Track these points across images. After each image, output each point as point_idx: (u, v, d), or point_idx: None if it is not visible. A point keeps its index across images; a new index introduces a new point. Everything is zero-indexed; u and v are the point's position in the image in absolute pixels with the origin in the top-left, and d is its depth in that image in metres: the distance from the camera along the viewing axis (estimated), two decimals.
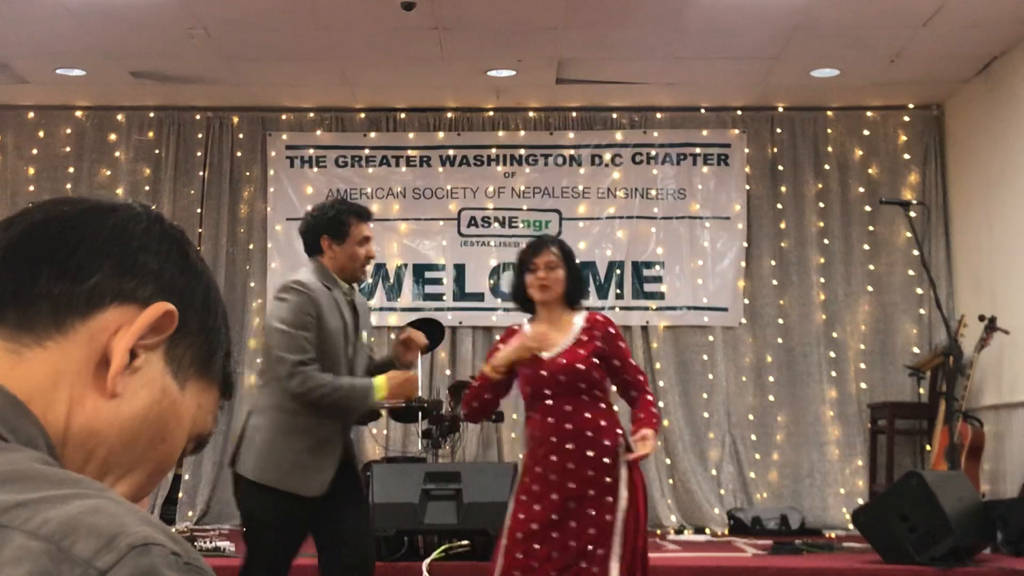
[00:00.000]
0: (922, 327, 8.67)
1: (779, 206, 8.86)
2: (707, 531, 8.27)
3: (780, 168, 8.89)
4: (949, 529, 5.82)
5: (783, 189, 8.88)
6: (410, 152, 8.96)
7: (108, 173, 8.95)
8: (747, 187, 8.86)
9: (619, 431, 4.31)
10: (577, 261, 4.58)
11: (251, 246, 8.92)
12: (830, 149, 8.90)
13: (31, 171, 8.94)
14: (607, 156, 8.91)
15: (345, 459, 4.18)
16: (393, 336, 7.49)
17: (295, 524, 4.10)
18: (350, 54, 7.79)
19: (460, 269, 8.83)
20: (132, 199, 0.98)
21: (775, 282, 8.78)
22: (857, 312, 8.72)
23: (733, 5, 6.98)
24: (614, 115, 8.92)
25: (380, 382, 4.17)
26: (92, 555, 0.70)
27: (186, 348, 0.94)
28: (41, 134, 8.96)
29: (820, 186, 8.86)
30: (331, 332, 4.13)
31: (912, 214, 7.48)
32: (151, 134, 8.99)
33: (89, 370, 0.88)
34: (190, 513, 8.42)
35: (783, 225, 8.84)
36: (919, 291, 8.65)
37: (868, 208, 8.75)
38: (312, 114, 8.99)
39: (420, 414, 7.54)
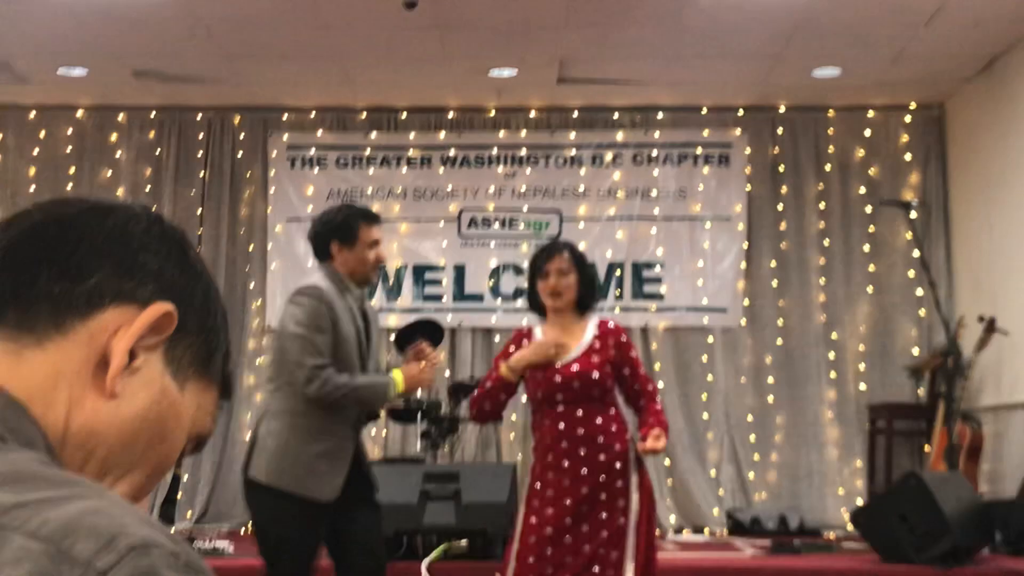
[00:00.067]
0: (922, 328, 8.67)
1: (780, 207, 8.86)
2: (706, 531, 8.28)
3: (781, 168, 8.89)
4: (948, 529, 5.82)
5: (784, 189, 8.88)
6: (411, 152, 8.96)
7: (109, 173, 8.96)
8: (748, 187, 8.86)
9: (628, 436, 4.33)
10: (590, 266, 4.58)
11: (251, 247, 8.92)
12: (831, 149, 8.90)
13: (32, 171, 8.95)
14: (608, 156, 8.91)
15: (356, 462, 4.21)
16: (392, 337, 7.49)
17: (311, 527, 4.11)
18: (351, 54, 7.79)
19: (460, 270, 8.84)
20: (132, 199, 0.97)
21: (775, 283, 8.78)
22: (857, 313, 8.72)
23: (734, 5, 6.99)
24: (615, 115, 8.92)
25: (397, 376, 4.22)
26: (92, 556, 0.70)
27: (185, 348, 0.94)
28: (42, 134, 8.96)
29: (821, 186, 8.86)
30: (345, 337, 4.15)
31: (913, 215, 7.48)
32: (152, 134, 8.99)
33: (88, 370, 0.88)
34: (189, 513, 8.42)
35: (783, 226, 8.84)
36: (919, 292, 8.65)
37: (869, 209, 8.75)
38: (313, 114, 8.99)
39: (419, 415, 7.55)
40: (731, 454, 8.63)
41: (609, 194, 8.88)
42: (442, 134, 8.98)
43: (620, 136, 8.93)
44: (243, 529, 8.33)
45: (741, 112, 8.91)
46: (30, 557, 0.70)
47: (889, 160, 8.85)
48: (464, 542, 5.94)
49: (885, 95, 8.65)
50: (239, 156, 8.99)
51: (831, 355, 8.67)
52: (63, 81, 8.37)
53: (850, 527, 7.26)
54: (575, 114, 8.96)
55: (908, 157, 8.83)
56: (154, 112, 8.96)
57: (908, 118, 8.86)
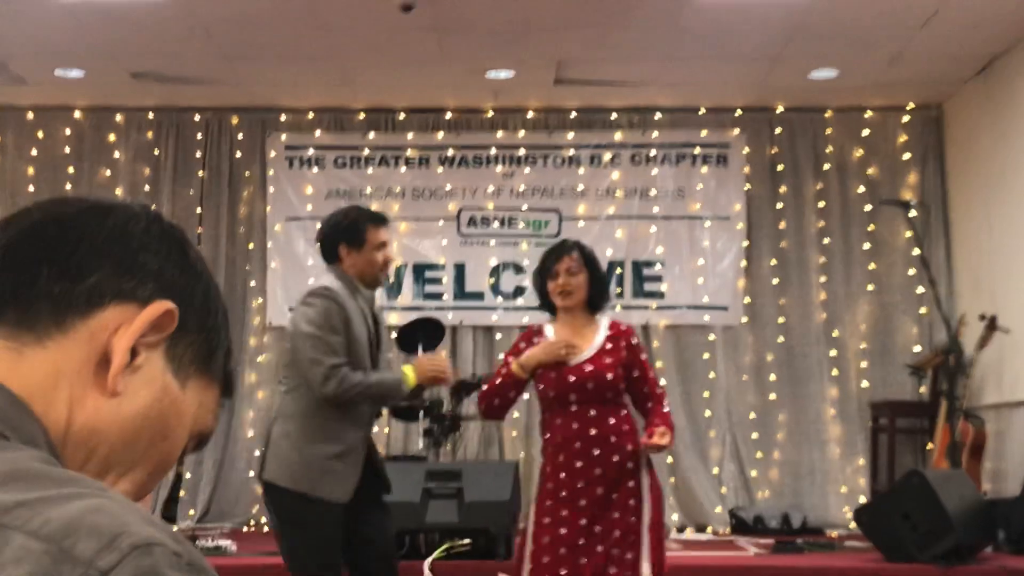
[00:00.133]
0: (922, 326, 8.67)
1: (779, 206, 8.86)
2: (709, 530, 8.28)
3: (780, 168, 8.89)
4: (951, 528, 5.82)
5: (783, 189, 8.88)
6: (409, 152, 8.96)
7: (107, 174, 8.95)
8: (746, 187, 8.86)
9: (639, 436, 4.34)
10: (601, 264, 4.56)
11: (251, 246, 8.92)
12: (829, 149, 8.89)
13: (30, 171, 8.94)
14: (606, 156, 8.91)
15: (369, 462, 4.23)
16: (393, 335, 7.50)
17: (331, 527, 4.13)
18: (350, 54, 7.79)
19: (460, 269, 8.84)
20: (131, 199, 0.98)
21: (775, 281, 8.78)
22: (857, 311, 8.72)
23: (732, 6, 6.98)
24: (613, 115, 8.92)
25: (408, 370, 4.25)
26: (93, 555, 0.70)
27: (186, 347, 0.94)
28: (40, 134, 8.96)
29: (820, 186, 8.86)
30: (357, 337, 4.18)
31: (912, 214, 7.48)
32: (150, 134, 8.99)
33: (90, 369, 0.87)
34: (191, 512, 8.42)
35: (783, 225, 8.84)
36: (919, 290, 8.65)
37: (868, 208, 8.75)
38: (311, 114, 8.99)
39: (421, 413, 7.54)
40: (733, 452, 8.63)
41: (608, 193, 8.88)
42: (440, 135, 8.98)
43: (618, 136, 8.92)
44: (245, 527, 8.33)
45: (739, 113, 8.91)
46: (31, 557, 0.69)
47: (887, 160, 8.84)
48: (467, 541, 5.94)
49: (883, 96, 8.65)
50: (237, 156, 8.99)
51: (832, 353, 8.67)
52: (61, 82, 8.37)
53: (853, 525, 7.26)
54: (573, 115, 8.95)
55: (906, 157, 8.83)
56: (152, 113, 8.96)
57: (906, 119, 8.86)
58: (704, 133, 8.90)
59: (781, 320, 8.74)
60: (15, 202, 8.64)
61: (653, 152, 8.88)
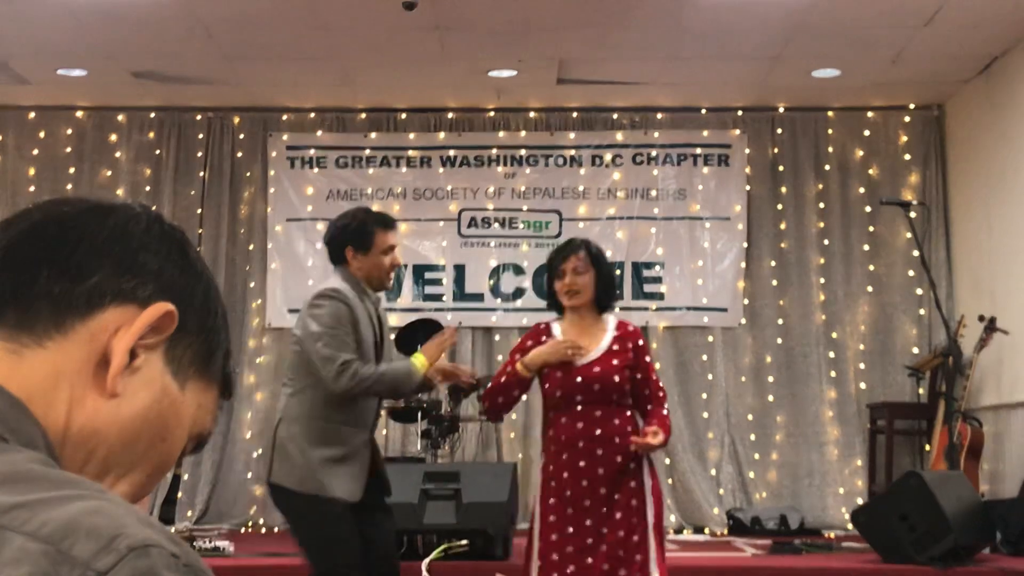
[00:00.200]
0: (922, 327, 8.67)
1: (779, 207, 8.86)
2: (706, 531, 8.28)
3: (780, 169, 8.89)
4: (948, 529, 5.82)
5: (783, 190, 8.88)
6: (410, 152, 8.96)
7: (109, 174, 8.96)
8: (747, 188, 8.86)
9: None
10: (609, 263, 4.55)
11: (251, 246, 8.92)
12: (830, 149, 8.90)
13: (31, 171, 8.95)
14: (608, 156, 8.91)
15: (372, 464, 4.25)
16: (392, 337, 7.49)
17: (347, 523, 4.14)
18: (351, 54, 7.79)
19: (460, 269, 8.84)
20: (132, 199, 0.98)
21: (775, 282, 8.78)
22: (857, 312, 8.72)
23: (733, 5, 6.99)
24: (615, 115, 8.92)
25: (418, 357, 4.26)
26: (91, 557, 0.70)
27: (186, 348, 0.94)
28: (42, 134, 8.96)
29: (820, 186, 8.86)
30: (364, 338, 4.20)
31: (912, 214, 7.49)
32: (151, 134, 8.99)
33: (89, 370, 0.88)
34: (189, 513, 8.42)
35: (783, 226, 8.84)
36: (919, 291, 8.65)
37: (868, 208, 8.75)
38: (313, 114, 8.99)
39: (419, 414, 7.55)
40: (731, 453, 8.63)
41: (609, 194, 8.89)
42: (442, 135, 8.98)
43: (620, 136, 8.93)
44: (243, 529, 8.33)
45: (740, 113, 8.91)
46: (29, 558, 0.70)
47: (888, 160, 8.85)
48: (464, 542, 5.94)
49: (884, 96, 8.65)
50: (239, 156, 8.99)
51: (831, 354, 8.67)
52: (63, 82, 8.37)
53: (850, 527, 7.25)
54: (574, 115, 8.96)
55: (907, 157, 8.83)
56: (153, 113, 8.97)
57: (907, 119, 8.86)
58: (705, 133, 8.90)
59: (780, 321, 8.74)
60: (16, 202, 8.65)
61: (654, 152, 8.88)
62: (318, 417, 4.14)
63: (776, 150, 8.91)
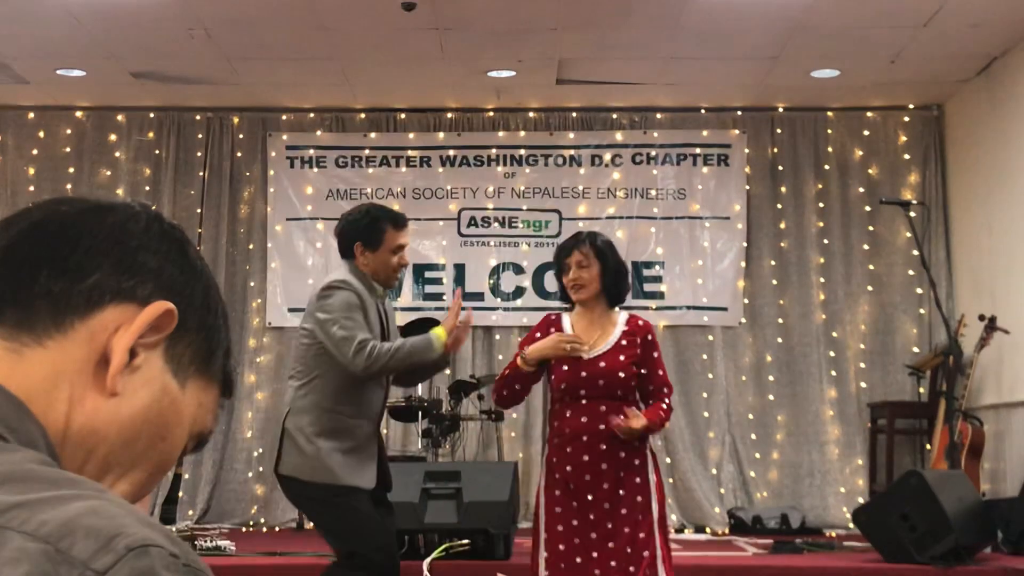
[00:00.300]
0: (922, 327, 8.67)
1: (779, 206, 8.86)
2: (707, 530, 8.28)
3: (780, 168, 8.89)
4: (949, 528, 5.82)
5: (783, 189, 8.88)
6: (410, 152, 8.96)
7: (108, 173, 8.96)
8: (747, 187, 8.87)
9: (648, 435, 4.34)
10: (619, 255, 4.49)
11: (251, 246, 8.92)
12: (830, 149, 8.90)
13: (31, 171, 8.95)
14: (607, 156, 8.91)
15: (377, 456, 4.28)
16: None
17: (365, 505, 4.15)
18: (350, 54, 7.79)
19: (460, 269, 8.84)
20: (132, 199, 0.97)
21: (775, 282, 8.78)
22: (857, 312, 8.72)
23: (733, 5, 6.98)
24: (614, 115, 8.92)
25: (437, 330, 4.29)
26: (90, 556, 0.70)
27: (186, 347, 0.94)
28: (41, 134, 8.96)
29: (820, 186, 8.86)
30: (371, 329, 4.18)
31: (912, 214, 7.48)
32: (151, 134, 9.00)
33: (89, 369, 0.88)
34: (190, 512, 8.42)
35: (783, 225, 8.84)
36: (919, 291, 8.65)
37: (868, 208, 8.75)
38: (312, 114, 8.99)
39: (420, 413, 7.55)
40: (732, 453, 8.64)
41: (608, 194, 8.89)
42: (441, 134, 8.98)
43: (619, 136, 8.93)
44: (244, 528, 8.33)
45: (740, 113, 8.91)
46: (28, 557, 0.69)
47: (888, 160, 8.85)
48: (465, 542, 5.94)
49: (884, 96, 8.65)
50: (238, 156, 9.00)
51: (831, 353, 8.67)
52: (62, 82, 8.37)
53: (851, 526, 7.26)
54: (574, 115, 8.96)
55: (907, 157, 8.83)
56: (153, 113, 8.97)
57: (907, 119, 8.87)
58: (705, 133, 8.90)
59: (780, 321, 8.74)
60: (16, 202, 8.65)
61: (654, 152, 8.89)
62: (326, 408, 4.16)
63: (776, 150, 8.91)
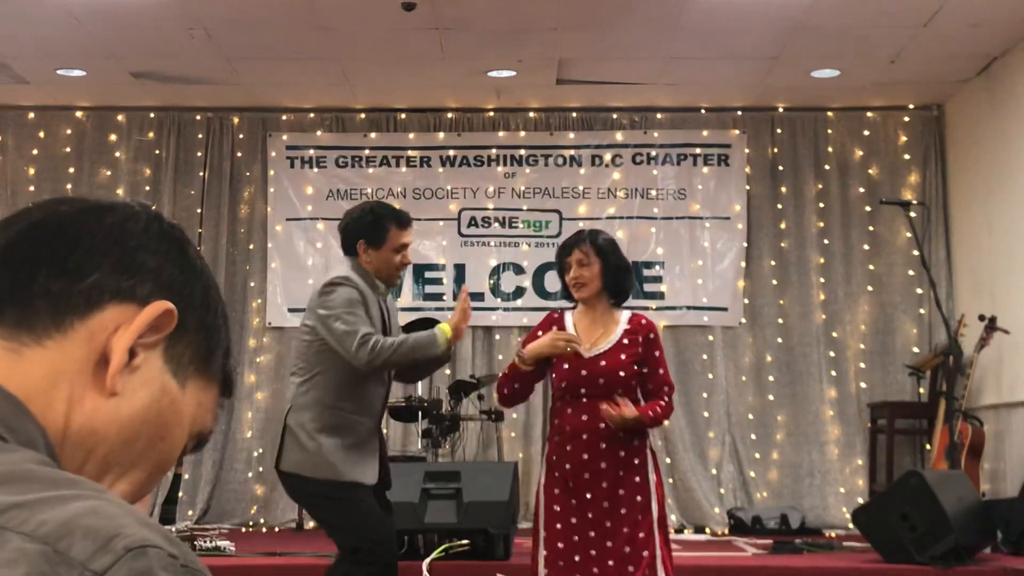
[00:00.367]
0: (922, 327, 8.67)
1: (779, 206, 8.86)
2: (707, 530, 8.28)
3: (780, 168, 8.89)
4: (949, 528, 5.82)
5: (783, 189, 8.88)
6: (410, 152, 8.96)
7: (108, 173, 8.96)
8: (747, 187, 8.87)
9: (647, 434, 4.33)
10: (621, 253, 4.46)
11: (251, 246, 8.92)
12: (830, 149, 8.90)
13: (31, 171, 8.95)
14: (607, 156, 8.91)
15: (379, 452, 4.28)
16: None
17: (367, 500, 4.15)
18: (350, 54, 7.79)
19: (460, 269, 8.84)
20: (132, 199, 0.98)
21: (775, 282, 8.78)
22: (857, 312, 8.72)
23: (733, 5, 6.98)
24: (614, 115, 8.92)
25: (443, 326, 4.26)
26: (88, 557, 0.70)
27: (185, 346, 0.94)
28: (41, 134, 8.96)
29: (820, 186, 8.86)
30: (373, 324, 4.18)
31: (912, 214, 7.49)
32: (151, 134, 9.00)
33: (88, 369, 0.87)
34: (190, 512, 8.42)
35: (783, 225, 8.84)
36: (919, 291, 8.65)
37: (868, 208, 8.76)
38: (312, 114, 8.99)
39: (420, 413, 7.55)
40: (732, 453, 8.64)
41: (609, 194, 8.89)
42: (441, 134, 8.98)
43: (619, 136, 8.93)
44: (244, 528, 8.33)
45: (740, 113, 8.91)
46: (27, 558, 0.69)
47: (888, 160, 8.85)
48: (465, 542, 5.94)
49: (884, 96, 8.65)
50: (238, 156, 9.00)
51: (831, 354, 8.67)
52: (62, 82, 8.38)
53: (851, 526, 7.25)
54: (574, 115, 8.96)
55: (907, 157, 8.83)
56: (153, 113, 8.97)
57: (907, 119, 8.87)
58: (705, 133, 8.90)
59: (780, 321, 8.75)
60: (16, 202, 8.65)
61: (654, 152, 8.89)
62: (328, 405, 4.16)
63: (776, 150, 8.91)
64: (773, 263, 8.81)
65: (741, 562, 6.43)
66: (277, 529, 8.35)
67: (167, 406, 0.92)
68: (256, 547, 6.80)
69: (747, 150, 8.89)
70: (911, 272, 8.68)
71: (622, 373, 4.23)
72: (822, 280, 8.77)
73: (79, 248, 0.89)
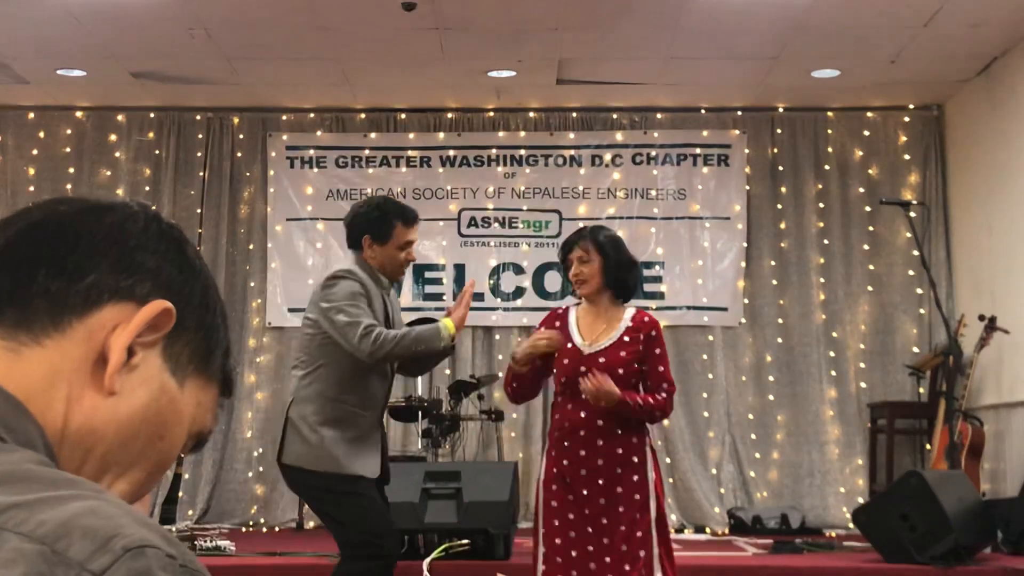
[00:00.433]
0: (922, 327, 8.67)
1: (779, 206, 8.86)
2: (707, 530, 8.28)
3: (780, 168, 8.89)
4: (949, 528, 5.82)
5: (783, 189, 8.88)
6: (410, 152, 8.96)
7: (108, 173, 8.96)
8: (747, 187, 8.87)
9: (647, 431, 4.33)
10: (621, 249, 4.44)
11: (251, 246, 8.92)
12: (830, 149, 8.90)
13: (31, 171, 8.95)
14: (607, 156, 8.91)
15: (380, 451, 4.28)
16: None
17: (369, 492, 4.14)
18: (350, 54, 7.79)
19: (460, 269, 8.84)
20: (131, 199, 0.98)
21: (775, 282, 8.78)
22: (857, 312, 8.72)
23: (733, 5, 6.98)
24: (614, 115, 8.92)
25: (446, 320, 4.25)
26: (87, 557, 0.70)
27: (184, 345, 0.94)
28: (41, 134, 8.96)
29: (820, 186, 8.86)
30: (376, 317, 4.18)
31: (912, 214, 7.49)
32: (151, 134, 9.00)
33: (87, 368, 0.87)
34: (190, 512, 8.42)
35: (783, 225, 8.84)
36: (919, 291, 8.65)
37: (868, 208, 8.76)
38: (312, 114, 8.99)
39: (420, 413, 7.55)
40: (732, 453, 8.64)
41: (609, 194, 8.89)
42: (441, 135, 8.98)
43: (619, 137, 8.93)
44: (244, 528, 8.33)
45: (740, 113, 8.91)
46: (25, 558, 0.69)
47: (888, 160, 8.85)
48: (465, 542, 5.94)
49: (884, 96, 8.65)
50: (238, 156, 9.00)
51: (831, 354, 8.67)
52: (63, 82, 8.38)
53: (851, 526, 7.25)
54: (574, 115, 8.96)
55: (907, 157, 8.83)
56: (153, 113, 8.97)
57: (907, 119, 8.87)
58: (705, 133, 8.90)
59: (780, 321, 8.75)
60: (16, 202, 8.65)
61: (654, 152, 8.89)
62: (330, 397, 4.15)
63: (776, 150, 8.91)
64: (773, 263, 8.81)
65: (741, 562, 6.43)
66: (277, 529, 8.35)
67: (166, 405, 0.92)
68: (256, 547, 6.80)
69: (747, 150, 8.89)
70: (911, 272, 8.68)
71: (620, 370, 4.23)
72: (822, 280, 8.77)
73: (78, 248, 0.90)
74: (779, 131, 8.91)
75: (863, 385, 8.65)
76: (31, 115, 8.96)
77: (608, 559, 4.14)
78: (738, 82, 8.37)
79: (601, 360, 4.25)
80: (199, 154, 8.96)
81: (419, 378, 8.01)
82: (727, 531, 8.20)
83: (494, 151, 8.96)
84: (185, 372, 0.94)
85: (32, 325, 0.87)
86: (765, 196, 8.87)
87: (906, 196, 8.52)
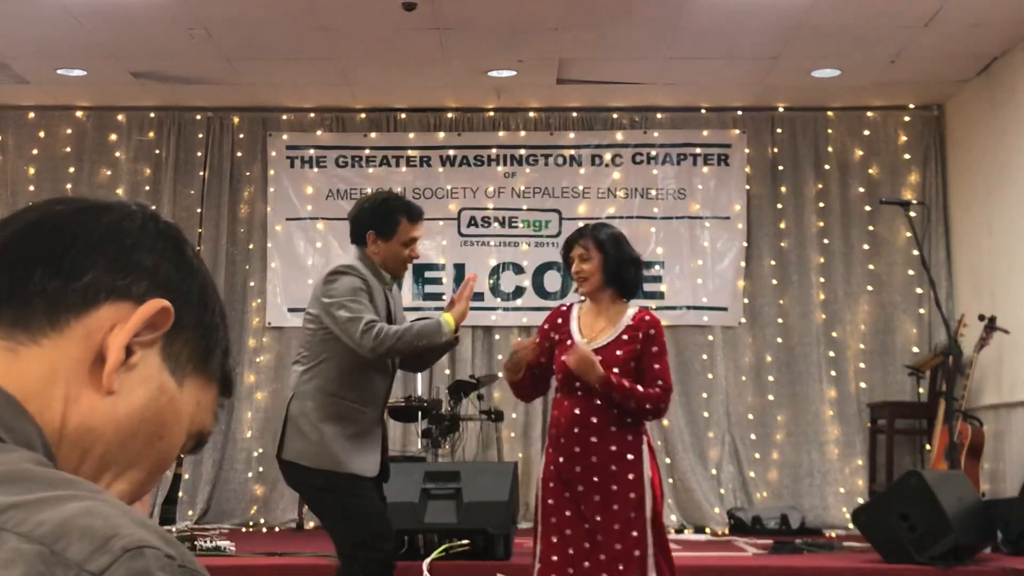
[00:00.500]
0: (922, 327, 8.67)
1: (779, 206, 8.86)
2: (707, 530, 8.28)
3: (780, 168, 8.89)
4: (949, 528, 5.82)
5: (783, 189, 8.88)
6: (410, 152, 8.96)
7: (108, 173, 8.96)
8: (747, 187, 8.87)
9: (643, 429, 4.32)
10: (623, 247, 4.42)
11: (251, 246, 8.92)
12: (830, 149, 8.90)
13: (31, 171, 8.95)
14: (607, 156, 8.91)
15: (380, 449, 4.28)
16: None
17: (367, 493, 4.14)
18: (350, 54, 7.79)
19: (460, 269, 8.84)
20: (130, 199, 0.98)
21: (775, 282, 8.78)
22: (857, 312, 8.72)
23: (733, 5, 6.98)
24: (614, 115, 8.92)
25: (447, 316, 4.24)
26: (85, 558, 0.70)
27: (183, 345, 0.93)
28: (41, 134, 8.96)
29: (820, 186, 8.86)
30: (378, 313, 4.17)
31: (912, 214, 7.49)
32: (151, 134, 9.00)
33: (85, 367, 0.87)
34: (190, 512, 8.42)
35: (783, 225, 8.84)
36: (919, 291, 8.65)
37: (868, 208, 8.76)
38: (312, 114, 8.99)
39: (419, 413, 7.55)
40: (732, 453, 8.64)
41: (609, 194, 8.89)
42: (441, 134, 8.98)
43: (619, 136, 8.93)
44: (244, 528, 8.33)
45: (740, 112, 8.91)
46: (23, 559, 0.69)
47: (888, 160, 8.85)
48: (465, 542, 5.94)
49: (884, 96, 8.65)
50: (238, 156, 9.00)
51: (831, 353, 8.67)
52: (63, 81, 8.38)
53: (851, 526, 7.25)
54: (574, 114, 8.96)
55: (907, 157, 8.83)
56: (153, 112, 8.97)
57: (907, 119, 8.87)
58: (705, 133, 8.90)
59: (780, 321, 8.74)
60: (16, 202, 8.65)
61: (654, 152, 8.89)
62: (331, 393, 4.14)
63: (776, 150, 8.91)
64: (773, 263, 8.81)
65: (741, 562, 6.43)
66: (277, 529, 8.35)
67: (165, 405, 0.92)
68: (256, 547, 6.80)
69: (747, 150, 8.89)
70: (911, 272, 8.68)
71: (616, 369, 4.23)
72: (822, 280, 8.77)
73: (75, 247, 0.89)
74: (779, 131, 8.91)
75: (863, 385, 8.65)
76: (31, 115, 8.96)
77: (603, 556, 4.14)
78: (738, 82, 8.37)
79: (598, 358, 4.26)
80: (199, 154, 8.96)
81: (419, 378, 8.02)
82: (727, 531, 8.20)
83: (494, 151, 8.96)
84: (184, 371, 0.94)
85: (30, 324, 0.87)
86: (765, 196, 8.87)
87: (906, 196, 8.52)
